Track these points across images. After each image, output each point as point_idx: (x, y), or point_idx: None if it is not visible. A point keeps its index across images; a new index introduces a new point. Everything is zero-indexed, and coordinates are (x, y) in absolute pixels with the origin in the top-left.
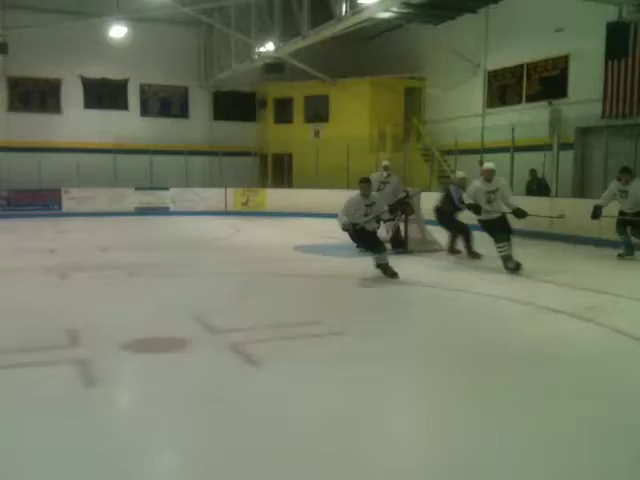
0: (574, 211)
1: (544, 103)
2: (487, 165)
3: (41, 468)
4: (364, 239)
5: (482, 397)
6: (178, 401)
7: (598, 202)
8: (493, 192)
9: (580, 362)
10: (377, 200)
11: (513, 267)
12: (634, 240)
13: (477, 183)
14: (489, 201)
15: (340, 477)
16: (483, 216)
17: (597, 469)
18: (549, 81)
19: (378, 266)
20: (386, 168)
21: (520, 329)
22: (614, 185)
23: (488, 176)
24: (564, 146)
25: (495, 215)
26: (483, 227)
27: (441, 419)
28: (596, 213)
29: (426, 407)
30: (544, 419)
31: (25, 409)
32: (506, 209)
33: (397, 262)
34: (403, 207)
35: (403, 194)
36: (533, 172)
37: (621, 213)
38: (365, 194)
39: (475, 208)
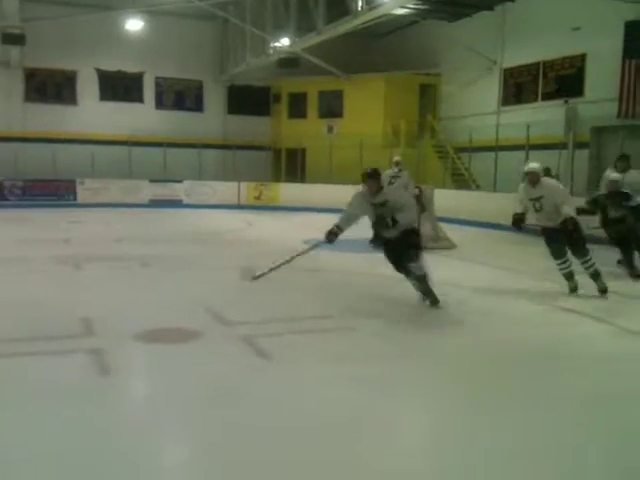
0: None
1: (560, 101)
2: (528, 167)
3: (54, 454)
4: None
5: (496, 397)
6: (189, 391)
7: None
8: (537, 199)
9: (596, 363)
10: (390, 195)
11: (571, 288)
12: None
13: (521, 188)
14: (536, 210)
15: (345, 475)
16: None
17: (610, 471)
18: (565, 80)
19: (420, 286)
20: (397, 163)
21: (535, 329)
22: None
23: (531, 180)
24: (579, 145)
25: (550, 224)
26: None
27: (451, 419)
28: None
29: (436, 406)
30: (557, 420)
31: (39, 397)
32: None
33: None
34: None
35: (415, 191)
36: (547, 170)
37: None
38: (371, 192)
39: (516, 220)
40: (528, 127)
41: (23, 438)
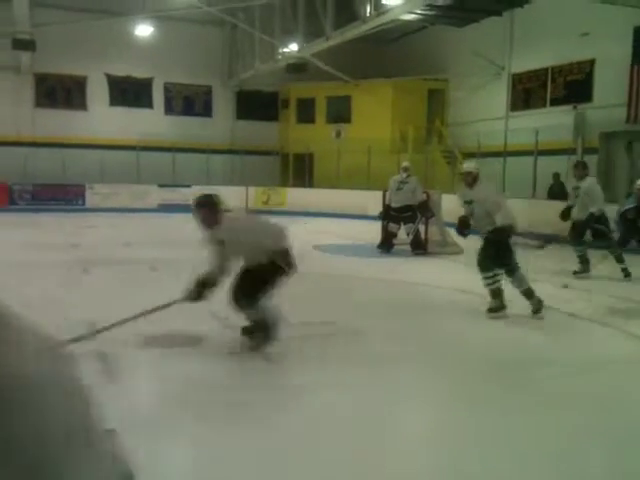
0: None
1: (568, 107)
2: (464, 166)
3: None
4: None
5: (500, 401)
6: (193, 395)
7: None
8: (469, 203)
9: (595, 367)
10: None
11: (491, 308)
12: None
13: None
14: (470, 214)
15: (350, 477)
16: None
17: (612, 475)
18: (574, 85)
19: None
20: (405, 169)
21: (539, 333)
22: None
23: (466, 181)
24: (588, 150)
25: (482, 231)
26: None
27: (454, 423)
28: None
29: (440, 410)
30: (558, 425)
31: None
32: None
33: (417, 264)
34: (423, 210)
35: (424, 196)
36: (556, 176)
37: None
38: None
39: (460, 222)
40: (537, 132)
41: None
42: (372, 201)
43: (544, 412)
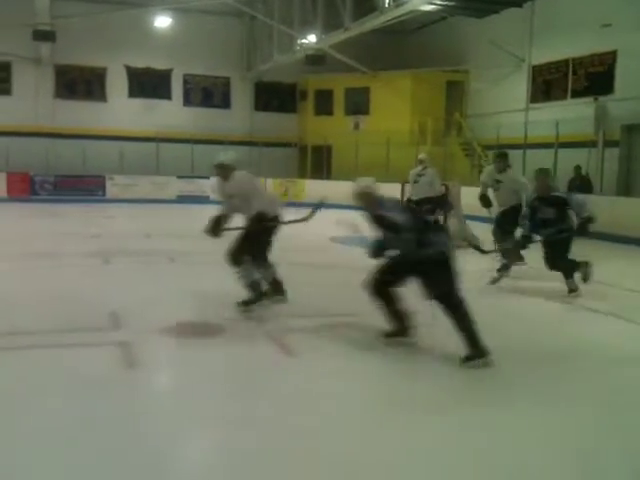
0: (618, 209)
1: (589, 99)
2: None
3: (83, 441)
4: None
5: (514, 397)
6: (212, 384)
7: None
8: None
9: (617, 364)
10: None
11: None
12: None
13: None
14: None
15: (364, 470)
16: None
17: (629, 474)
18: (595, 77)
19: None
20: (421, 161)
21: (557, 328)
22: (488, 170)
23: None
24: (609, 143)
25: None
26: None
27: (470, 418)
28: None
29: (457, 404)
30: (578, 422)
31: (68, 387)
32: None
33: None
34: (442, 203)
35: (442, 189)
36: (578, 169)
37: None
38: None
39: None
40: (557, 125)
41: (50, 426)
42: (390, 193)
43: (561, 410)
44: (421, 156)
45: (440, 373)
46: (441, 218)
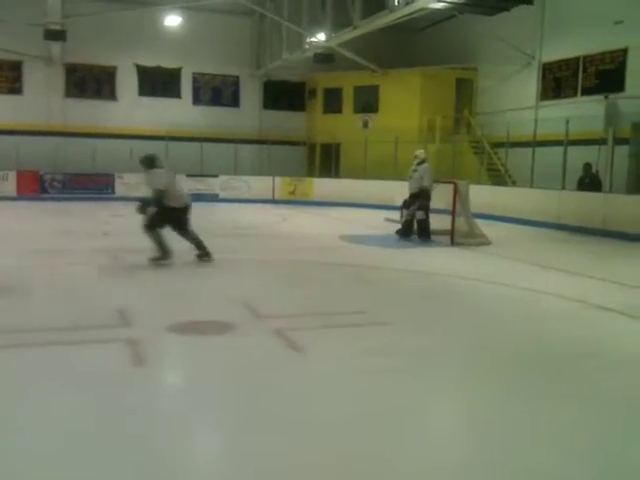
0: (628, 207)
1: (600, 97)
2: None
3: (91, 439)
4: None
5: (527, 394)
6: (220, 382)
7: None
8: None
9: (629, 362)
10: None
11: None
12: None
13: None
14: None
15: (371, 470)
16: None
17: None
18: (606, 74)
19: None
20: (416, 157)
21: (567, 326)
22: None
23: None
24: (619, 141)
25: None
26: None
27: (480, 414)
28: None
29: (467, 401)
30: (591, 421)
31: (77, 385)
32: None
33: (443, 255)
34: (420, 198)
35: (427, 185)
36: (587, 166)
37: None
38: None
39: None
40: (567, 122)
41: (57, 423)
42: (399, 191)
43: (575, 408)
44: (416, 152)
45: (449, 368)
46: (419, 214)
